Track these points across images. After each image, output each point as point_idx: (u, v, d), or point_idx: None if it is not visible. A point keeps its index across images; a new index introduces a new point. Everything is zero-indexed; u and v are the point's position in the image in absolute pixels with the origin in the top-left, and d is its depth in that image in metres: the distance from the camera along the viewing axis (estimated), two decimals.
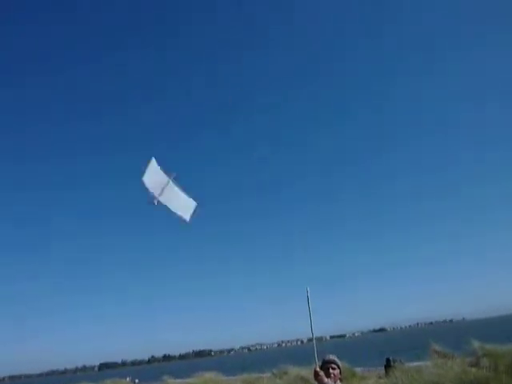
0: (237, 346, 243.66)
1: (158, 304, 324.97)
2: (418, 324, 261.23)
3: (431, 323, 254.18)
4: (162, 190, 5.68)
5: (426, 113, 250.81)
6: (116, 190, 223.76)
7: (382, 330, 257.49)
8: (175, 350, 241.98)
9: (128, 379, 30.02)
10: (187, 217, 6.01)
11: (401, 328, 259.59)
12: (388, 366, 15.11)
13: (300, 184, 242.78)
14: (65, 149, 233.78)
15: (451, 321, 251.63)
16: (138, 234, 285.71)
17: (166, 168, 6.25)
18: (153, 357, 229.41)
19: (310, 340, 3.86)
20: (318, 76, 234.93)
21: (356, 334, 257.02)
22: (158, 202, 5.67)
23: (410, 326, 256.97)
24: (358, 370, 16.11)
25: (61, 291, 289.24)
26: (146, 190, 5.68)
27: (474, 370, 9.88)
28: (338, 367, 3.80)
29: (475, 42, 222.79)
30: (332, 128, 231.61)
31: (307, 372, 10.83)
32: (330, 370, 3.69)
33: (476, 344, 12.87)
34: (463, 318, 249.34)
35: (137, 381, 34.92)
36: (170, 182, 5.85)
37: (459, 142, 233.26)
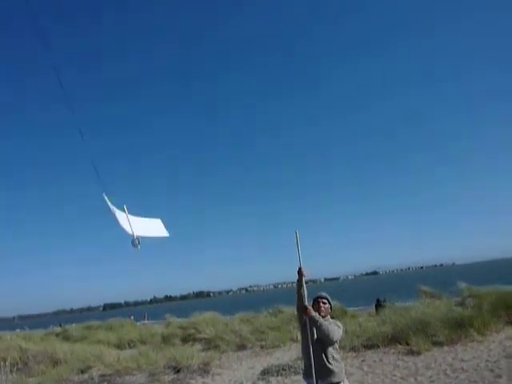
0: (234, 288, 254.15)
1: (160, 249, 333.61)
2: (409, 268, 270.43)
3: (422, 267, 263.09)
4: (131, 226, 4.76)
5: None
6: None
7: (374, 273, 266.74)
8: (176, 291, 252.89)
9: (131, 318, 31.37)
10: (164, 233, 5.37)
11: (392, 272, 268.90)
12: (378, 305, 15.85)
13: None
14: None
15: (441, 265, 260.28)
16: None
17: None
18: (155, 297, 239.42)
19: (306, 282, 4.06)
20: None
21: (349, 277, 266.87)
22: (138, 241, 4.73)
23: (401, 270, 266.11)
24: (350, 309, 16.88)
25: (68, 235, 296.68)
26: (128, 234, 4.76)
27: (459, 309, 10.40)
28: (329, 302, 4.10)
29: None
30: None
31: None
32: (321, 304, 4.01)
33: (463, 286, 13.52)
34: (453, 263, 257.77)
35: (144, 316, 36.88)
36: (130, 216, 4.93)
37: None
